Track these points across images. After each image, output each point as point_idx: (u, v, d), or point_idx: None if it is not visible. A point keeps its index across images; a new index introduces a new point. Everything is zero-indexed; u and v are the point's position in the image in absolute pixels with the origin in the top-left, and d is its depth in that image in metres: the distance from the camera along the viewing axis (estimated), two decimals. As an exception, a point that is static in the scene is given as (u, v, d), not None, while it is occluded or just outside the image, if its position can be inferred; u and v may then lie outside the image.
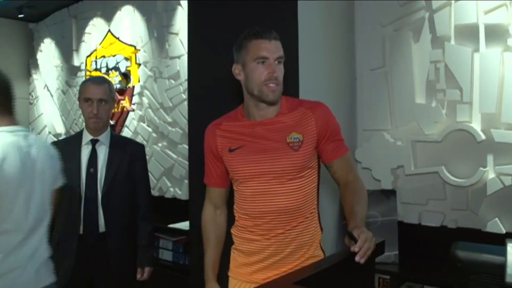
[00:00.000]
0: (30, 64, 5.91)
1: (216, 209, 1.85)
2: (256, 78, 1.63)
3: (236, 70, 1.69)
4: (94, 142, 2.41)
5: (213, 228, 1.84)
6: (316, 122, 1.65)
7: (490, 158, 2.37)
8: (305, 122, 1.66)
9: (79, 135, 2.46)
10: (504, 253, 0.71)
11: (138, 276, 2.50)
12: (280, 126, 1.66)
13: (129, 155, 2.48)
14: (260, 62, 1.62)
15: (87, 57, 4.98)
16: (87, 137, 2.42)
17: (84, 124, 2.47)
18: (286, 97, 1.74)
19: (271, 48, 1.61)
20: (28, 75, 5.93)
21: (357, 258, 1.34)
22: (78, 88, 4.91)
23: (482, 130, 2.38)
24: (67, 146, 2.39)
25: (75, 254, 2.29)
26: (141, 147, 2.61)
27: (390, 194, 2.63)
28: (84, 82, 2.48)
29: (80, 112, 5.03)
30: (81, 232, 2.32)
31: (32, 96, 5.91)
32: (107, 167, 2.41)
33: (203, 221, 1.87)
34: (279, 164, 1.61)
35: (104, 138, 2.44)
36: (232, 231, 1.80)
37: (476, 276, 0.78)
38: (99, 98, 2.37)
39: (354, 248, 1.35)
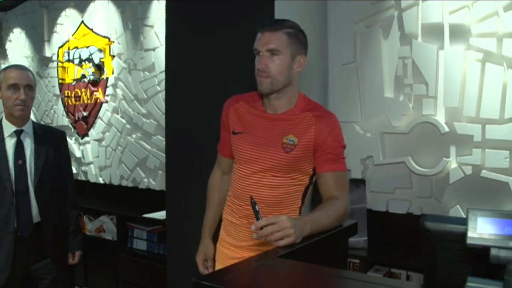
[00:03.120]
0: (-2, 54, 5.81)
1: (223, 174, 1.96)
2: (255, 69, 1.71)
3: None
4: (18, 133, 2.35)
5: (217, 190, 1.96)
6: (315, 131, 1.67)
7: (452, 149, 2.51)
8: (305, 128, 1.69)
9: None
10: (465, 223, 0.84)
11: (70, 260, 2.55)
12: (283, 124, 1.71)
13: (54, 144, 2.47)
14: (257, 54, 1.69)
15: (59, 48, 4.94)
16: (9, 128, 2.34)
17: (3, 114, 2.38)
18: (305, 97, 1.78)
19: (262, 40, 1.66)
20: (-4, 65, 5.83)
21: (254, 236, 1.43)
22: (50, 79, 4.99)
23: (446, 123, 2.52)
24: None
25: (12, 250, 2.25)
26: (63, 134, 2.61)
27: (359, 183, 2.76)
28: (6, 69, 2.39)
29: (52, 103, 5.03)
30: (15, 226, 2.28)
31: (0, 86, 5.80)
32: (35, 158, 2.36)
33: (210, 183, 1.99)
34: (267, 160, 1.70)
35: (28, 128, 2.39)
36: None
37: (441, 243, 0.90)
38: (26, 83, 2.31)
39: (253, 226, 1.42)
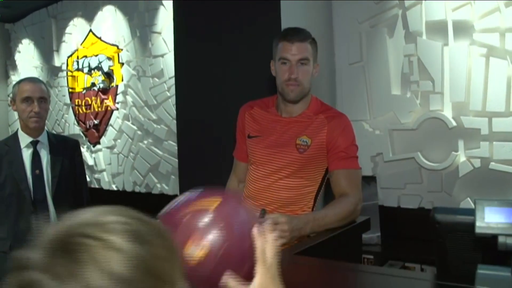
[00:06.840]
0: (7, 65, 5.89)
1: (239, 182, 2.00)
2: (279, 77, 1.77)
3: (272, 66, 1.83)
4: (34, 144, 2.41)
5: None
6: (327, 132, 1.75)
7: (461, 143, 2.54)
8: (318, 128, 1.76)
9: (15, 138, 2.44)
10: (473, 213, 0.89)
11: None
12: (297, 126, 1.79)
13: (69, 152, 2.52)
14: (283, 63, 1.75)
15: (68, 57, 5.02)
16: (25, 139, 2.40)
17: (19, 125, 2.45)
18: (317, 100, 1.85)
19: (293, 51, 1.73)
20: (6, 76, 5.91)
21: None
22: (60, 88, 5.07)
23: (453, 118, 2.55)
24: (6, 151, 2.38)
25: None
26: (77, 143, 2.67)
27: (370, 180, 2.79)
28: (19, 82, 2.45)
29: (62, 112, 5.11)
30: None
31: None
32: (52, 167, 2.42)
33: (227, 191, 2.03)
34: (281, 160, 1.76)
35: (44, 138, 2.45)
36: None
37: (452, 234, 0.95)
38: (40, 96, 2.37)
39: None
